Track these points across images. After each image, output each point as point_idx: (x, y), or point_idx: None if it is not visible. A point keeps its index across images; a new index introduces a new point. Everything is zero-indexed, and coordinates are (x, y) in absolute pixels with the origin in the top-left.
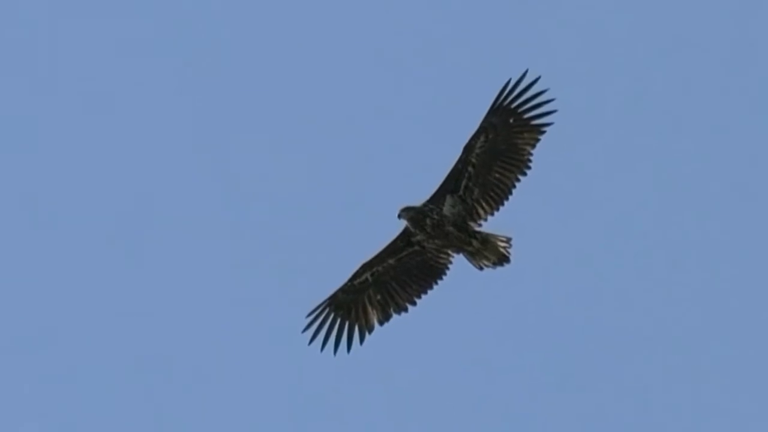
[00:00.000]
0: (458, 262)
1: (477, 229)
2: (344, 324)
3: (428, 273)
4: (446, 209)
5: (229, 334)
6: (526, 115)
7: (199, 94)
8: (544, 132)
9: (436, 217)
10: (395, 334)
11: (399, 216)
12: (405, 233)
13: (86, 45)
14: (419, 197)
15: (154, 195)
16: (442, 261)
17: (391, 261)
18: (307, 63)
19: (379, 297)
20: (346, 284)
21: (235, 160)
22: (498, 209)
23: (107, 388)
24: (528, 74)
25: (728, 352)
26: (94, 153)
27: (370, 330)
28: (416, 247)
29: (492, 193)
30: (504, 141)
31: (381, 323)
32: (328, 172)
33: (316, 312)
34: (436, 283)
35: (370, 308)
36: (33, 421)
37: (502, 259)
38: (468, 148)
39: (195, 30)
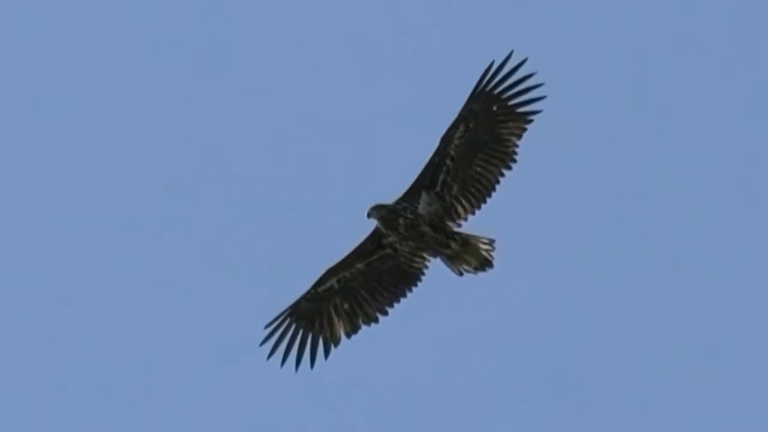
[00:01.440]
0: (435, 266)
1: (456, 229)
2: (307, 336)
3: (401, 279)
4: (421, 207)
5: (226, 335)
6: (511, 102)
7: (199, 93)
8: (531, 121)
9: (410, 216)
10: (365, 346)
11: (368, 215)
12: (375, 234)
13: (86, 45)
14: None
15: (153, 195)
16: (416, 265)
17: (359, 265)
18: (307, 63)
19: (346, 306)
20: (309, 292)
21: (235, 160)
22: (479, 207)
23: (104, 388)
24: (513, 57)
25: (728, 352)
26: (93, 153)
27: (336, 342)
28: (388, 250)
29: (473, 189)
30: (486, 131)
31: (348, 335)
32: (328, 172)
33: (276, 323)
34: (410, 291)
35: (336, 318)
36: (32, 420)
37: (485, 264)
38: (446, 139)
39: (195, 30)
